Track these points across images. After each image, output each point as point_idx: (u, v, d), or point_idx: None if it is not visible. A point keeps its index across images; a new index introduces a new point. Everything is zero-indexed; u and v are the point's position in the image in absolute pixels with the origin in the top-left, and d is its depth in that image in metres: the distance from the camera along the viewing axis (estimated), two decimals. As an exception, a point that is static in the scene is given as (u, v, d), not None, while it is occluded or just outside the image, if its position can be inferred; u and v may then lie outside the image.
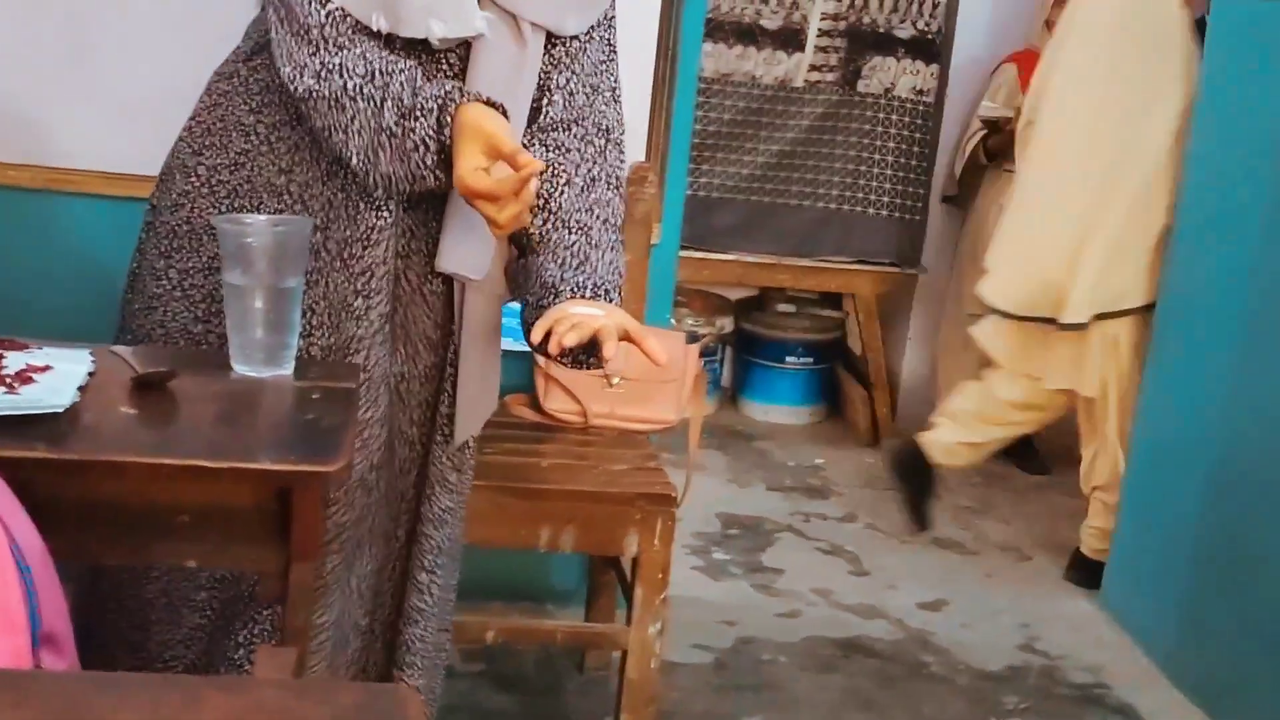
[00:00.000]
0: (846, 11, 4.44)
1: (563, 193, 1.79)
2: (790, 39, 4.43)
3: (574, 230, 1.77)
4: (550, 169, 1.79)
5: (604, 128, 1.85)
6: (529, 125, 1.82)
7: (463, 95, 1.65)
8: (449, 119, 1.63)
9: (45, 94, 2.70)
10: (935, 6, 4.44)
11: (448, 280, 1.84)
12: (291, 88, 1.70)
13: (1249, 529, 2.93)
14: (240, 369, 1.65)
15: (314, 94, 1.68)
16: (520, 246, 1.77)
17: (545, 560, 3.06)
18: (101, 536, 1.52)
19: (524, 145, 1.80)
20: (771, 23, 4.41)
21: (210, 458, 1.42)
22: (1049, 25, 4.32)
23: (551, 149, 1.81)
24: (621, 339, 1.65)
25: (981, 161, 4.36)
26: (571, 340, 1.61)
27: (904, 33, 4.46)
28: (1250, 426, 2.95)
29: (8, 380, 1.49)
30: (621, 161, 1.89)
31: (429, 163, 1.65)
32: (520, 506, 2.46)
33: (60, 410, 1.44)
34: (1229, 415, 3.03)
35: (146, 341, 1.84)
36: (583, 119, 1.83)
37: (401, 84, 1.65)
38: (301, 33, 1.69)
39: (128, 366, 1.61)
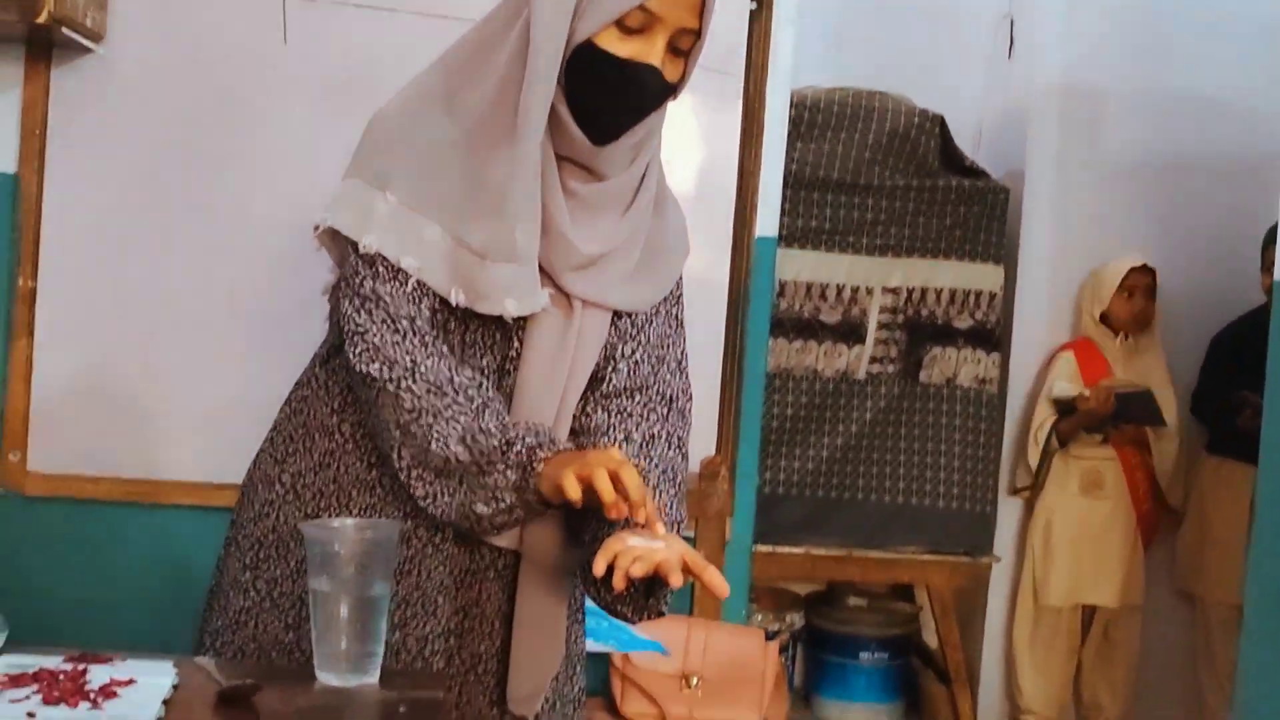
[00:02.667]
0: (904, 305, 4.51)
1: (621, 446, 1.79)
2: (850, 332, 4.48)
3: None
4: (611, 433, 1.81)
5: (668, 396, 1.87)
6: (592, 391, 1.83)
7: (550, 448, 1.67)
8: (537, 467, 1.65)
9: (121, 408, 2.75)
10: (992, 298, 4.50)
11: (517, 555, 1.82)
12: (376, 375, 1.71)
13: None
14: (325, 678, 1.61)
15: (406, 380, 1.69)
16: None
17: None
18: None
19: (586, 411, 1.82)
20: (830, 317, 4.47)
21: (298, 775, 1.36)
22: (1104, 319, 4.38)
23: (614, 414, 1.83)
24: (684, 571, 1.60)
25: (1054, 448, 4.34)
26: (638, 571, 1.56)
27: (963, 323, 4.50)
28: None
29: (92, 695, 1.45)
30: (685, 427, 1.89)
31: (510, 482, 1.66)
32: (601, 819, 2.36)
33: (145, 727, 1.40)
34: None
35: (238, 657, 1.80)
36: (646, 387, 1.85)
37: (496, 413, 1.69)
38: (389, 321, 1.72)
39: (211, 679, 1.57)
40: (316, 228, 1.81)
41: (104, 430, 2.75)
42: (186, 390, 2.76)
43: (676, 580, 1.58)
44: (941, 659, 4.58)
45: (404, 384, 1.69)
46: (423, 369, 1.70)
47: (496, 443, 1.67)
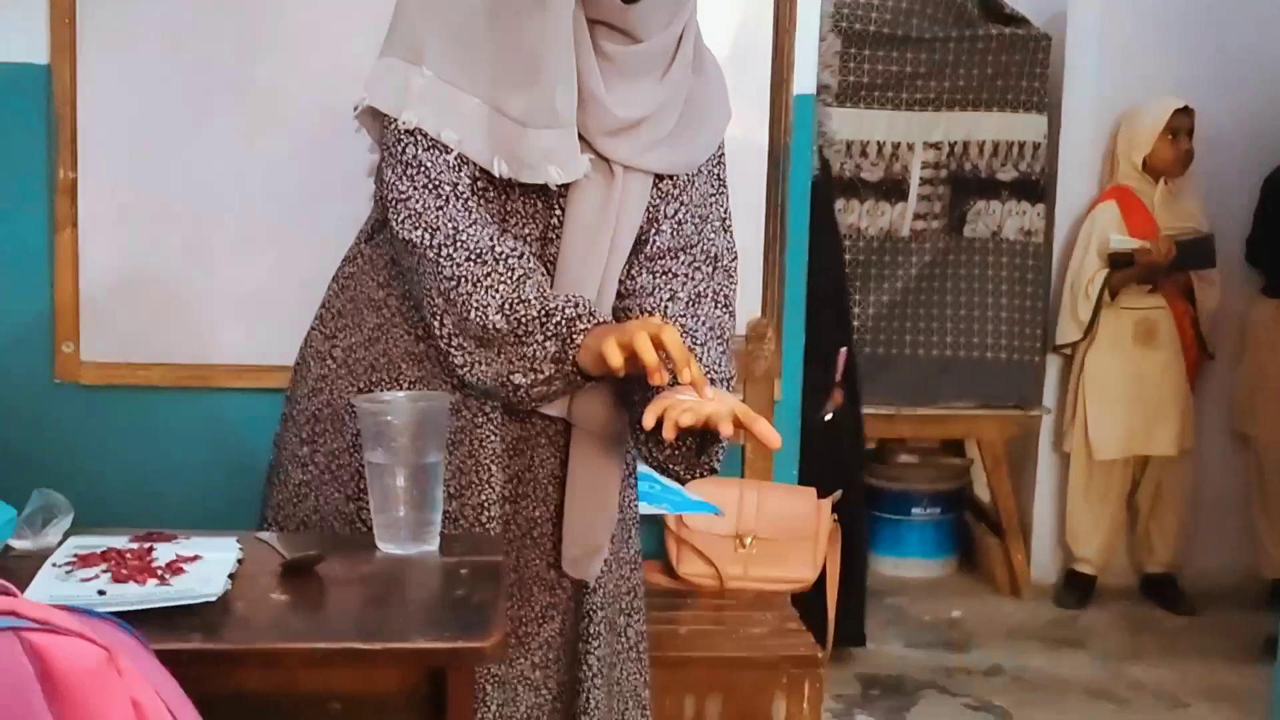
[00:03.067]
0: (947, 159, 4.45)
1: (666, 308, 1.79)
2: (893, 189, 4.44)
3: (679, 333, 1.75)
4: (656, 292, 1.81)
5: (712, 255, 1.86)
6: (637, 254, 1.83)
7: (590, 319, 1.67)
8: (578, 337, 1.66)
9: (168, 295, 2.77)
10: (1036, 148, 4.43)
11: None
12: (418, 242, 1.71)
13: None
14: (386, 548, 1.64)
15: (447, 247, 1.69)
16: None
17: (686, 732, 2.98)
18: (255, 731, 1.49)
19: (631, 274, 1.82)
20: (872, 175, 4.43)
21: (365, 640, 1.39)
22: (1145, 165, 4.30)
23: (659, 274, 1.82)
24: (734, 423, 1.60)
25: (1105, 300, 4.30)
26: (687, 421, 1.56)
27: (1007, 175, 4.44)
28: None
29: (159, 571, 1.48)
30: (732, 285, 1.88)
31: (550, 353, 1.67)
32: (662, 677, 2.39)
33: (213, 599, 1.43)
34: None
35: (300, 529, 1.84)
36: (690, 246, 1.84)
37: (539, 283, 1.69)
38: (430, 187, 1.72)
39: (275, 552, 1.60)
40: (356, 108, 1.80)
41: (153, 318, 2.77)
42: (231, 274, 2.77)
43: (727, 429, 1.58)
44: (994, 512, 4.61)
45: (444, 251, 1.69)
46: (464, 236, 1.69)
47: (535, 313, 1.66)
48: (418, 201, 1.72)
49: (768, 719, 2.50)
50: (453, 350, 1.71)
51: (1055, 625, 4.28)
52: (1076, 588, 4.48)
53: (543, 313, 1.67)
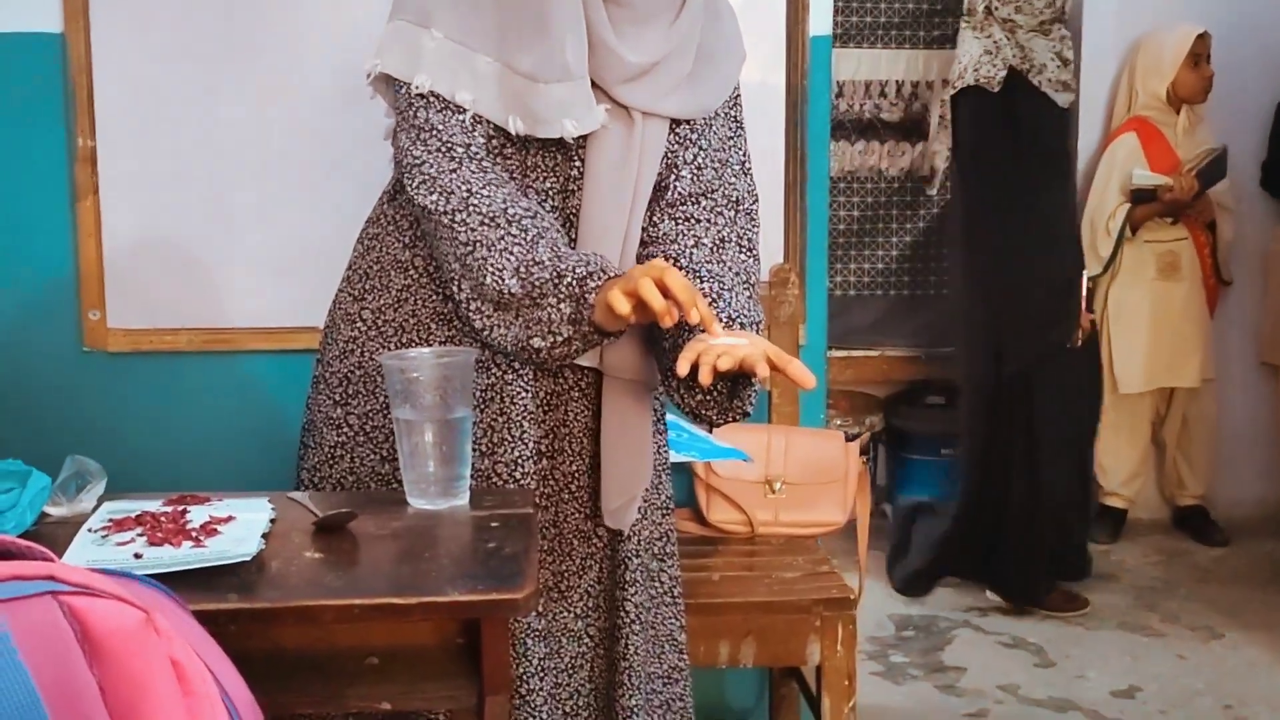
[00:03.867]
0: (966, 97, 4.40)
1: (690, 254, 1.79)
2: (912, 129, 4.41)
3: (705, 279, 1.76)
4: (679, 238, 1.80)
5: (734, 199, 1.85)
6: (658, 201, 1.82)
7: (601, 276, 1.66)
8: (592, 295, 1.65)
9: (192, 260, 2.78)
10: (1056, 81, 4.38)
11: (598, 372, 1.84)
12: (433, 207, 1.71)
13: None
14: (416, 503, 1.65)
15: (461, 212, 1.69)
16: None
17: (720, 677, 3.00)
18: (293, 687, 1.50)
19: (653, 221, 1.82)
20: (892, 115, 4.40)
21: (399, 594, 1.40)
22: (1169, 94, 4.25)
23: (680, 221, 1.82)
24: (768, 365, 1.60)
25: (1127, 236, 4.28)
26: (725, 365, 1.56)
27: (1027, 110, 4.40)
28: None
29: (193, 534, 1.50)
30: (754, 229, 1.88)
31: (565, 315, 1.66)
32: (696, 623, 2.40)
33: (248, 559, 1.44)
34: None
35: (336, 490, 1.85)
36: (711, 191, 1.84)
37: (552, 243, 1.68)
38: (444, 150, 1.71)
39: (307, 511, 1.61)
40: (368, 75, 1.80)
41: (177, 283, 2.78)
42: (253, 237, 2.77)
43: (763, 370, 1.58)
44: (1023, 449, 4.59)
45: (458, 216, 1.69)
46: (477, 199, 1.69)
47: (549, 275, 1.66)
48: (432, 166, 1.72)
49: (802, 661, 2.52)
50: (472, 314, 1.72)
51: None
52: (1108, 522, 4.48)
53: (555, 274, 1.66)
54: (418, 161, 1.73)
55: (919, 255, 4.44)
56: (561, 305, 1.66)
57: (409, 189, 1.74)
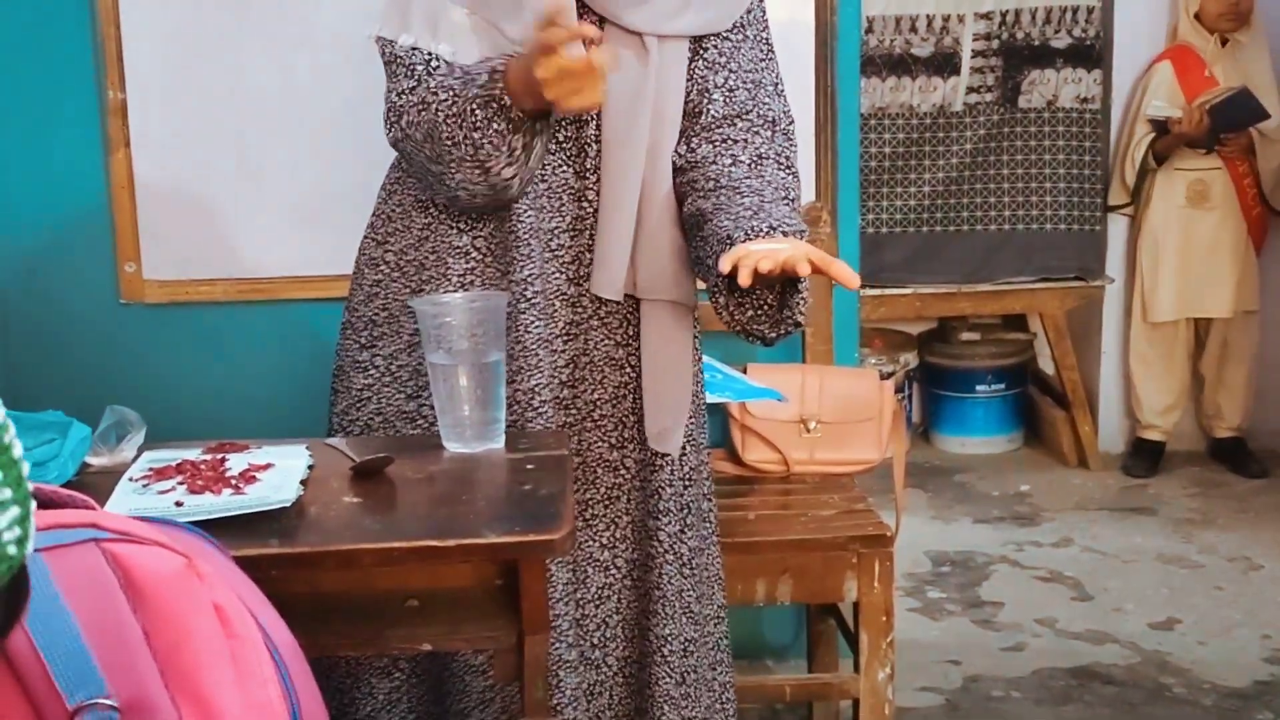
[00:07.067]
0: (998, 29, 4.36)
1: (729, 172, 1.80)
2: (944, 64, 4.36)
3: (745, 194, 1.76)
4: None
5: (769, 119, 1.86)
6: (693, 125, 1.84)
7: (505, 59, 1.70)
8: (500, 76, 1.68)
9: (223, 210, 2.79)
10: (1090, 12, 4.33)
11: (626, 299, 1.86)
12: (400, 135, 1.77)
13: None
14: (452, 447, 1.66)
15: (406, 116, 1.77)
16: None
17: (757, 615, 3.02)
18: (336, 630, 1.53)
19: (690, 146, 1.84)
20: (923, 50, 4.35)
21: (437, 537, 1.42)
22: (1199, 18, 4.19)
23: (717, 142, 1.83)
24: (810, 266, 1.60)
25: (1151, 166, 4.23)
26: (766, 267, 1.57)
27: (1060, 42, 4.35)
28: None
29: (233, 481, 1.52)
30: (792, 148, 1.89)
31: (494, 113, 1.69)
32: (733, 562, 2.42)
33: (287, 505, 1.45)
34: None
35: (365, 433, 1.87)
36: (746, 113, 1.85)
37: (450, 71, 1.74)
38: (412, 89, 1.78)
39: (344, 457, 1.63)
40: (374, 38, 1.85)
41: (211, 233, 2.79)
42: (284, 185, 2.78)
43: (805, 269, 1.58)
44: (1059, 383, 4.58)
45: (405, 117, 1.76)
46: (417, 93, 1.75)
47: (462, 93, 1.69)
48: (409, 114, 1.77)
49: (839, 598, 2.53)
50: (459, 191, 1.75)
51: (1125, 494, 4.28)
52: (1145, 455, 4.46)
53: (464, 86, 1.70)
54: (400, 112, 1.78)
55: (952, 191, 4.40)
56: (488, 112, 1.67)
57: (388, 136, 1.80)
